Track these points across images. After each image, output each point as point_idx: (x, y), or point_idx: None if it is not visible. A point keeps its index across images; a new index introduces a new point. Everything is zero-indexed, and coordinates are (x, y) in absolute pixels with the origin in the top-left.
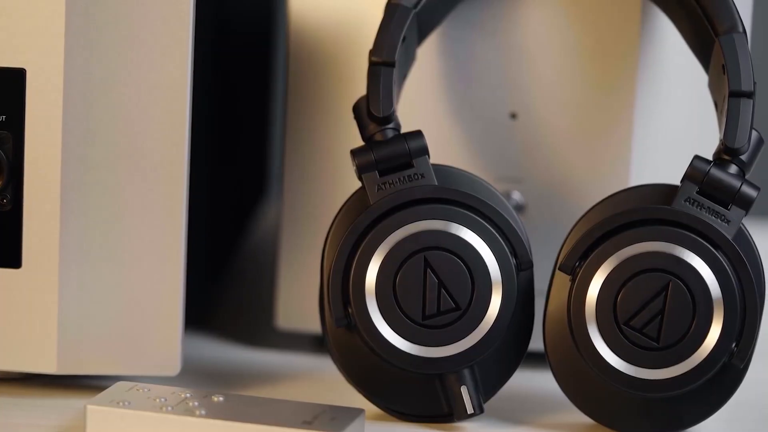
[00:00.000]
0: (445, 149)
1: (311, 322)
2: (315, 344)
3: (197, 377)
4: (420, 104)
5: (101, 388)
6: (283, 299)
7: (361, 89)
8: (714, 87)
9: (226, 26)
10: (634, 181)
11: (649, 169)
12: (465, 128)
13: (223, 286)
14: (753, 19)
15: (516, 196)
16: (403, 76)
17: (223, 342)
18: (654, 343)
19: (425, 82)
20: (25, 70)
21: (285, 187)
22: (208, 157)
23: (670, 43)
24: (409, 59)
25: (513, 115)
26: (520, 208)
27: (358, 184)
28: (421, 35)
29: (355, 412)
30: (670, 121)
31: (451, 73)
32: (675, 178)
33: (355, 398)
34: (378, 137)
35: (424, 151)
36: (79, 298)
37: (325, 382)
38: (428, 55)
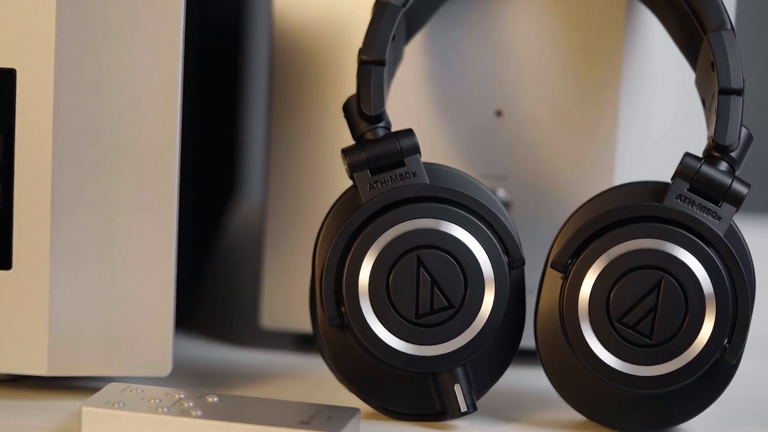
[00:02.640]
0: (431, 147)
1: (296, 321)
2: (300, 343)
3: (184, 377)
4: (405, 102)
5: (92, 390)
6: (268, 298)
7: (344, 88)
8: (702, 84)
9: (203, 24)
10: (619, 178)
11: (634, 166)
12: (450, 126)
13: (202, 286)
14: (736, 17)
15: (501, 193)
16: (391, 75)
17: (207, 341)
18: (647, 340)
19: (410, 79)
20: (15, 70)
21: (269, 186)
22: (188, 155)
23: (655, 40)
24: (398, 58)
25: (498, 113)
26: (505, 205)
27: (343, 182)
28: (409, 33)
29: (351, 412)
30: (655, 118)
31: (436, 70)
32: (660, 174)
33: (343, 396)
34: (369, 136)
35: (416, 149)
36: (69, 300)
37: (312, 380)
38: (414, 52)
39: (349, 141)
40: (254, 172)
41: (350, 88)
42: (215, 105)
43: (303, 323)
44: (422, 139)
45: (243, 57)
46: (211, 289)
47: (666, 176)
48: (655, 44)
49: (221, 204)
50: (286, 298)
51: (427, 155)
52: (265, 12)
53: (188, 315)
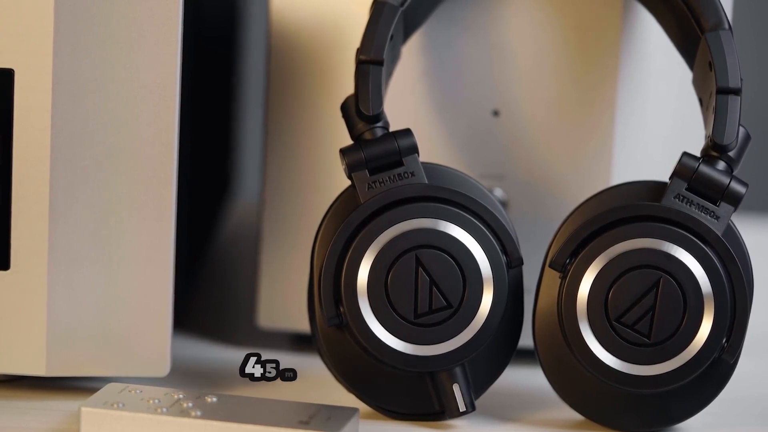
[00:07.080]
0: (428, 146)
1: (293, 321)
2: (296, 342)
3: (181, 377)
4: (402, 101)
5: (90, 390)
6: (264, 298)
7: (341, 87)
8: (699, 84)
9: (199, 22)
10: (616, 177)
11: (630, 165)
12: (447, 125)
13: (198, 286)
14: (733, 16)
15: (498, 192)
16: (389, 75)
17: (203, 341)
18: (645, 340)
19: (407, 79)
20: (13, 70)
21: (266, 185)
22: (183, 154)
23: (651, 39)
24: (395, 58)
25: (495, 113)
26: (502, 204)
27: (339, 182)
28: (407, 33)
29: (350, 412)
30: (652, 117)
31: (433, 70)
32: (656, 174)
33: (340, 396)
34: (367, 136)
35: (414, 149)
36: (67, 300)
37: (309, 380)
38: (411, 52)
39: (345, 140)
40: (249, 171)
41: (347, 87)
42: (210, 104)
43: (300, 323)
44: (419, 138)
45: (239, 55)
46: (207, 289)
47: (662, 175)
48: (652, 44)
49: (216, 203)
50: (283, 297)
51: (423, 155)
52: (262, 10)
53: (184, 315)
